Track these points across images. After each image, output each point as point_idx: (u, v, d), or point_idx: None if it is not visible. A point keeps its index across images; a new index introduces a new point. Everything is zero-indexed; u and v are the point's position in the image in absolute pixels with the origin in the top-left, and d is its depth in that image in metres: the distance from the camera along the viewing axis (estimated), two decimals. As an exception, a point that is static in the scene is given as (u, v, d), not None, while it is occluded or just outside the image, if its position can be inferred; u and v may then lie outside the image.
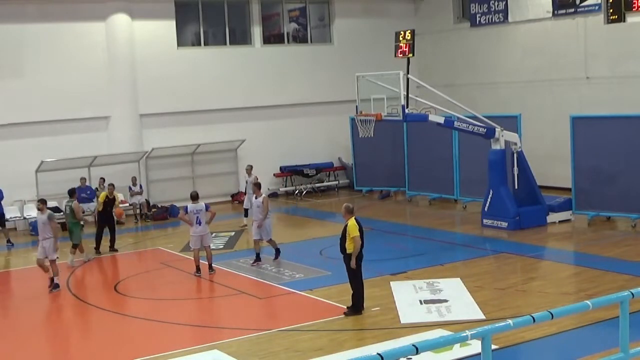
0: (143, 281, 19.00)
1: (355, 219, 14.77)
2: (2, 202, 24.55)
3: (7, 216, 25.88)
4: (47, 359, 13.81)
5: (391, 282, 16.91)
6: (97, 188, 26.83)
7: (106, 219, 22.48)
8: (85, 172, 27.17)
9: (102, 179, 26.76)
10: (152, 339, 14.44)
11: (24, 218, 26.18)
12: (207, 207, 18.91)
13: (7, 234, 24.31)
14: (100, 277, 20.62)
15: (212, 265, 18.91)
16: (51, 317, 16.69)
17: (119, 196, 23.47)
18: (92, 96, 27.50)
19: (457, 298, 15.74)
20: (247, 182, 24.66)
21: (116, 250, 22.34)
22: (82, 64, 27.41)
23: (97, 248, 22.27)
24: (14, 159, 26.12)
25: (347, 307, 14.98)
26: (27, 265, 21.56)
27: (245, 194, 25.15)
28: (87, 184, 26.92)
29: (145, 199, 28.02)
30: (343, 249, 14.87)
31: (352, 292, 14.98)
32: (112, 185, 23.03)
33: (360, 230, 14.69)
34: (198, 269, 18.75)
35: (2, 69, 26.14)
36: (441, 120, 22.30)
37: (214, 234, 23.67)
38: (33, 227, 25.66)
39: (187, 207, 18.84)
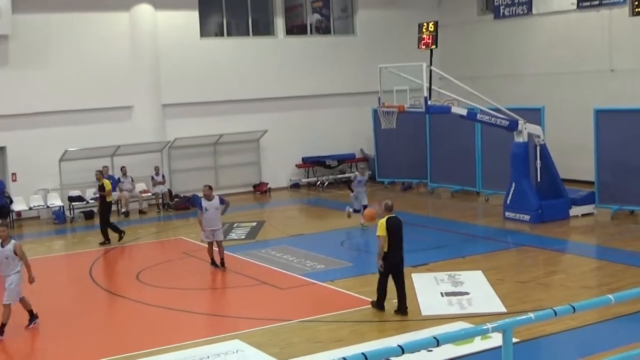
0: (165, 270, 19.08)
1: (389, 218, 14.30)
2: (10, 195, 24.84)
3: (31, 204, 26.13)
4: (68, 347, 13.89)
5: (412, 274, 16.86)
6: (119, 178, 27.02)
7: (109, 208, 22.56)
8: (109, 162, 27.31)
9: (124, 168, 27.03)
10: (173, 328, 14.51)
11: (48, 207, 26.34)
12: (222, 200, 18.71)
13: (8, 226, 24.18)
14: (122, 266, 20.76)
15: (224, 260, 18.59)
16: (73, 305, 16.79)
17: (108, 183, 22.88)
18: (115, 86, 27.60)
19: (478, 291, 15.72)
20: (358, 181, 22.83)
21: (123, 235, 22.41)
22: (105, 53, 27.51)
23: (107, 240, 22.28)
24: (38, 148, 26.27)
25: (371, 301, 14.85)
26: (50, 254, 21.76)
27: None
28: (110, 173, 27.05)
29: (168, 189, 28.14)
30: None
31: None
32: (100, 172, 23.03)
33: (391, 229, 14.23)
34: (213, 261, 18.69)
35: (27, 59, 26.27)
36: (464, 112, 22.24)
37: (235, 224, 23.81)
38: (56, 216, 25.91)
39: (201, 202, 18.64)
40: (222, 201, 18.66)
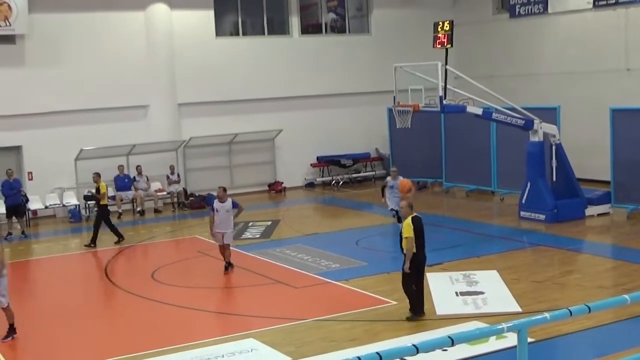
0: (180, 269, 19.13)
1: (413, 217, 14.06)
2: (26, 193, 24.89)
3: (47, 203, 26.25)
4: (83, 345, 13.95)
5: (427, 274, 16.75)
6: (134, 177, 27.11)
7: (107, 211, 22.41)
8: (124, 161, 27.40)
9: (139, 167, 27.13)
10: (188, 327, 14.55)
11: (64, 205, 26.46)
12: (235, 204, 18.41)
13: (24, 225, 24.31)
14: (137, 265, 20.83)
15: (231, 262, 18.32)
16: (89, 303, 16.86)
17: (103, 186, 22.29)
18: (131, 85, 27.69)
19: (493, 290, 15.68)
20: (390, 186, 21.72)
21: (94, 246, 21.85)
22: (121, 53, 27.61)
23: (120, 237, 22.15)
24: (54, 146, 26.39)
25: (407, 317, 14.25)
26: (66, 252, 21.84)
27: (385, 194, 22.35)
28: (125, 172, 27.15)
29: (183, 188, 28.19)
30: (401, 248, 14.17)
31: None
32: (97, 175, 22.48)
33: (417, 228, 14.00)
34: (227, 265, 18.38)
35: (43, 58, 26.40)
36: (479, 111, 22.18)
37: (250, 223, 23.84)
38: (72, 214, 26.01)
39: (213, 204, 18.42)
40: (234, 204, 18.40)
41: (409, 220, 14.01)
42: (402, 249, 14.10)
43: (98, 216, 22.30)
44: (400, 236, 14.12)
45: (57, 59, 26.65)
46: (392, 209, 21.83)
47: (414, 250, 13.97)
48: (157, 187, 27.88)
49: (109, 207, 22.84)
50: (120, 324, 15.22)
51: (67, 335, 14.54)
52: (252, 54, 30.15)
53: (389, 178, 22.20)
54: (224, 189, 18.55)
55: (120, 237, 22.10)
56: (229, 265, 18.29)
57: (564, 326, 12.64)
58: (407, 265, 13.97)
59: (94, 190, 22.64)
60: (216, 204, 18.25)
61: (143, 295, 16.79)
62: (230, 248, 18.53)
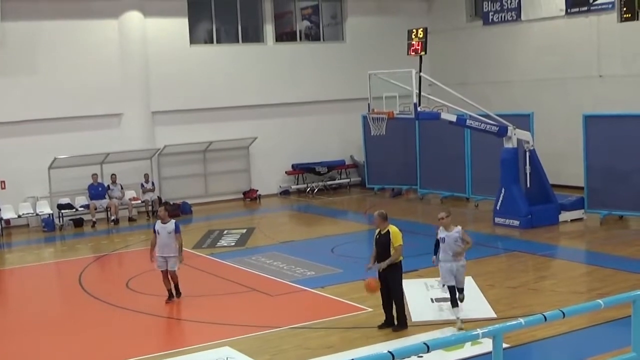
0: (155, 278, 18.95)
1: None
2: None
3: (20, 212, 26.02)
4: (57, 355, 13.84)
5: (402, 280, 16.85)
6: (108, 185, 26.96)
7: None
8: (98, 169, 27.23)
9: (114, 176, 26.97)
10: (163, 336, 14.47)
11: (37, 215, 26.25)
12: (177, 228, 16.57)
13: None
14: (112, 274, 20.70)
15: (179, 288, 16.72)
16: (63, 313, 16.73)
17: None
18: (104, 93, 27.54)
19: (468, 296, 15.68)
20: (441, 238, 14.56)
21: None
22: (95, 61, 27.46)
23: None
24: (27, 155, 26.19)
25: (379, 326, 14.03)
26: (40, 262, 21.67)
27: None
28: (99, 180, 27.00)
29: (157, 196, 28.06)
30: (384, 259, 13.81)
31: (396, 309, 13.98)
32: None
33: None
34: (170, 294, 16.62)
35: (15, 66, 26.22)
36: (453, 118, 22.26)
37: (225, 231, 23.77)
38: (46, 223, 25.82)
39: (154, 225, 16.94)
40: (177, 228, 16.58)
41: (396, 228, 13.92)
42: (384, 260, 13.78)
43: None
44: (382, 246, 13.89)
45: (30, 67, 26.46)
46: (443, 285, 14.49)
47: (401, 257, 13.95)
48: (131, 195, 27.73)
49: None
50: (95, 333, 15.10)
51: (39, 345, 14.40)
52: (226, 62, 30.10)
53: (440, 229, 14.73)
54: (165, 209, 17.35)
55: None
56: (176, 293, 16.69)
57: (538, 331, 12.70)
58: (385, 264, 13.75)
59: None
60: (157, 225, 16.63)
61: (118, 304, 16.68)
62: (177, 275, 16.74)
